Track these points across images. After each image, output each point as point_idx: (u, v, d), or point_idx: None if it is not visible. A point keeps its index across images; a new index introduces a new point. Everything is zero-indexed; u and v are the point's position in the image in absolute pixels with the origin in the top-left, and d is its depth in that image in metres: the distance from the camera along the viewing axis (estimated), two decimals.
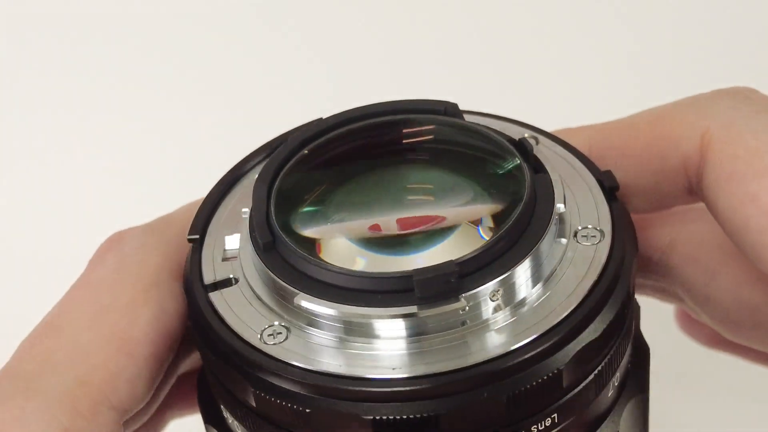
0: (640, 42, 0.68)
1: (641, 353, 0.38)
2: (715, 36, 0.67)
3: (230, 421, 0.35)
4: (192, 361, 0.45)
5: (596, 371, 0.33)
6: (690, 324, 0.47)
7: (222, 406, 0.35)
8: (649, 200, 0.39)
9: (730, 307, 0.39)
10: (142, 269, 0.38)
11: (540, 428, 0.32)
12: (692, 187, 0.38)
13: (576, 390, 0.32)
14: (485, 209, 0.34)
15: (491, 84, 0.66)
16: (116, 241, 0.40)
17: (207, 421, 0.38)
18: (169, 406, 0.45)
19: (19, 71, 0.70)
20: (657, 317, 0.43)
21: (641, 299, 0.40)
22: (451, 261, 0.31)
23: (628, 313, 0.34)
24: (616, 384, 0.35)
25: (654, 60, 0.67)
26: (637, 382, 0.36)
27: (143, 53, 0.68)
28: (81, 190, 0.66)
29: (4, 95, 0.69)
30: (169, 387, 0.41)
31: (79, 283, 0.39)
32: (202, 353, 0.35)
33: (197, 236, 0.36)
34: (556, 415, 0.32)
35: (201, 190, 0.39)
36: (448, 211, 0.35)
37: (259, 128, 0.40)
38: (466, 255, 0.32)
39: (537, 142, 0.37)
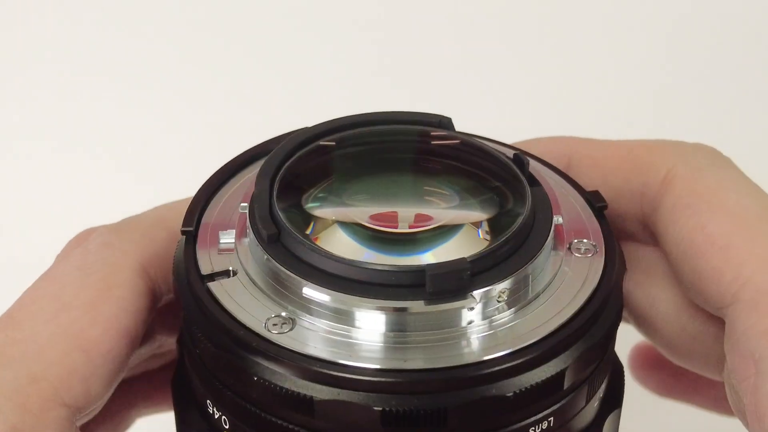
0: (631, 49, 0.70)
1: (617, 370, 0.39)
2: (714, 37, 0.69)
3: (217, 416, 0.35)
4: (154, 359, 0.44)
5: (590, 377, 0.34)
6: (642, 372, 0.49)
7: (209, 402, 0.35)
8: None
9: (671, 332, 0.41)
10: (106, 267, 0.37)
11: (537, 430, 0.33)
12: (643, 215, 0.40)
13: (572, 393, 0.33)
14: (489, 215, 0.36)
15: (482, 91, 0.67)
16: (83, 239, 0.40)
17: (183, 421, 0.37)
18: (134, 404, 0.44)
19: (11, 67, 0.68)
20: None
21: None
22: (464, 258, 0.32)
23: (619, 323, 0.35)
24: (601, 396, 0.36)
25: (642, 66, 0.69)
26: (615, 397, 0.38)
27: (139, 52, 0.67)
28: (67, 187, 0.65)
29: None
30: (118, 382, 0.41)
31: (43, 278, 0.38)
32: (194, 344, 0.34)
33: (191, 228, 0.36)
34: (553, 418, 0.33)
35: (192, 191, 0.39)
36: (450, 213, 0.35)
37: (252, 131, 0.40)
38: (477, 253, 0.32)
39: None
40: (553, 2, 0.69)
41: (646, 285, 0.41)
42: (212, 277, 0.34)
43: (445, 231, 0.35)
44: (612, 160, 0.40)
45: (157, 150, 0.63)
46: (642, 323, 0.42)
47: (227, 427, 0.34)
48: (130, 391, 0.45)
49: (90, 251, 0.38)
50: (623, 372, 0.39)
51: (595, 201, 0.37)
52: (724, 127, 0.67)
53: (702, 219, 0.37)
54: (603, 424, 0.36)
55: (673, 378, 0.47)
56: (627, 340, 0.43)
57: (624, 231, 0.41)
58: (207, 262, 0.35)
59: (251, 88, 0.66)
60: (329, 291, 0.32)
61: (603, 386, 0.36)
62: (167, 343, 0.42)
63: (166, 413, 0.41)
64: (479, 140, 0.38)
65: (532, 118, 0.66)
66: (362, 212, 0.35)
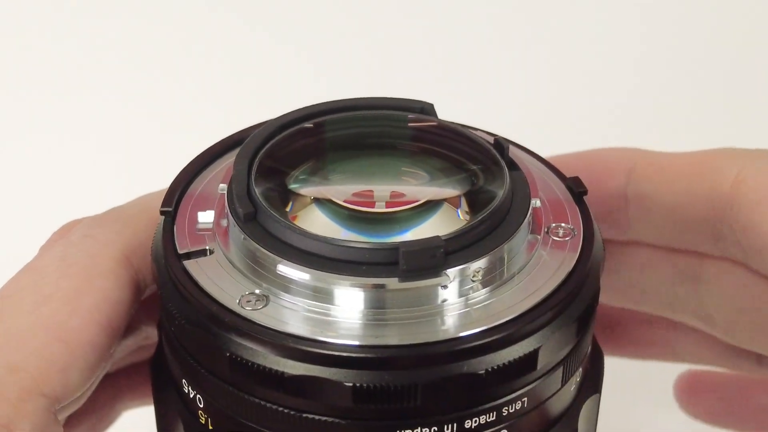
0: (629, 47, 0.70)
1: (596, 356, 0.39)
2: (714, 37, 0.69)
3: (192, 396, 0.35)
4: (140, 352, 0.44)
5: (565, 358, 0.34)
6: (691, 399, 0.49)
7: (185, 381, 0.35)
8: (670, 220, 0.42)
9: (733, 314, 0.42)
10: (87, 258, 0.38)
11: (510, 410, 0.33)
12: (713, 217, 0.41)
13: (547, 374, 0.33)
14: (466, 196, 0.36)
15: (476, 86, 0.67)
16: (66, 231, 0.40)
17: (159, 402, 0.37)
18: (120, 397, 0.44)
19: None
20: None
21: None
22: (438, 236, 0.32)
23: (596, 307, 0.35)
24: (578, 380, 0.36)
25: (642, 65, 0.69)
26: (593, 383, 0.37)
27: (128, 45, 0.67)
28: (55, 180, 0.65)
29: None
30: (104, 373, 0.40)
31: (24, 270, 0.38)
32: (170, 322, 0.34)
33: (170, 209, 0.36)
34: (526, 399, 0.33)
35: None
36: (430, 192, 0.35)
37: (244, 124, 0.40)
38: (452, 233, 0.32)
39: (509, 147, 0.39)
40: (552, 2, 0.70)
41: None
42: (188, 255, 0.34)
43: (424, 211, 0.35)
44: (678, 165, 0.41)
45: (148, 143, 0.64)
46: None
47: (202, 406, 0.34)
48: (116, 384, 0.45)
49: (72, 243, 0.39)
50: (603, 359, 0.39)
51: (575, 187, 0.37)
52: (725, 127, 0.67)
53: None
54: (580, 409, 0.36)
55: (724, 402, 0.48)
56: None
57: (689, 240, 0.42)
58: (184, 242, 0.35)
59: (242, 83, 0.66)
60: (303, 268, 0.32)
61: (580, 370, 0.36)
62: (153, 335, 0.42)
63: (152, 406, 0.41)
64: (461, 126, 0.39)
65: (533, 117, 0.66)
66: (340, 192, 0.35)
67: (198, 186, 0.38)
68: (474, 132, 0.38)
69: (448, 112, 0.40)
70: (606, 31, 0.68)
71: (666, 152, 0.43)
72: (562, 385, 0.34)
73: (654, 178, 0.42)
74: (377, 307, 0.32)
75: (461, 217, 0.35)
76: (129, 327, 0.40)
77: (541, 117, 0.66)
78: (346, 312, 0.32)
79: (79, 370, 0.36)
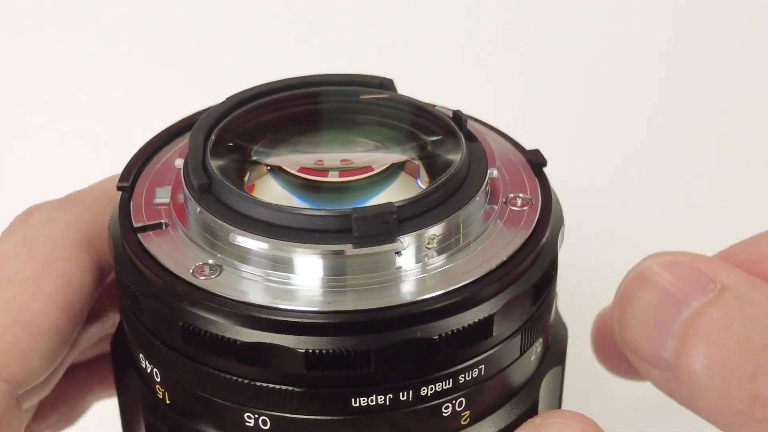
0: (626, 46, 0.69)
1: (560, 330, 0.39)
2: (713, 37, 0.69)
3: (149, 370, 0.34)
4: (107, 341, 0.44)
5: (523, 327, 0.33)
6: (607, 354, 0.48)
7: (141, 356, 0.35)
8: None
9: None
10: (48, 242, 0.37)
11: (467, 378, 0.32)
12: None
13: (504, 342, 0.33)
14: (424, 165, 0.35)
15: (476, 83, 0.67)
16: (28, 214, 0.40)
17: (119, 379, 0.37)
18: (90, 388, 0.44)
19: None
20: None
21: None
22: (391, 203, 0.32)
23: (554, 277, 0.35)
24: (538, 350, 0.36)
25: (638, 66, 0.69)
26: (556, 355, 0.37)
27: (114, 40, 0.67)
28: (22, 167, 0.65)
29: None
30: (70, 360, 0.40)
31: None
32: (125, 296, 0.34)
33: (126, 184, 0.36)
34: (483, 366, 0.33)
35: None
36: (386, 158, 0.35)
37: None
38: (405, 199, 0.32)
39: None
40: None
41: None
42: (144, 229, 0.34)
43: (380, 179, 0.35)
44: None
45: (115, 127, 0.63)
46: None
47: (158, 380, 0.34)
48: (87, 375, 0.45)
49: (33, 227, 0.38)
50: (567, 333, 0.39)
51: (535, 159, 0.37)
52: (724, 127, 0.67)
53: None
54: (541, 380, 0.36)
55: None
56: None
57: None
58: (140, 216, 0.35)
59: (217, 68, 0.66)
60: (255, 236, 0.32)
61: (541, 341, 0.35)
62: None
63: None
64: (422, 102, 0.38)
65: (532, 117, 0.66)
66: (295, 163, 0.35)
67: (157, 163, 0.38)
68: (433, 107, 0.38)
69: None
70: (606, 30, 0.68)
71: None
72: (521, 354, 0.34)
73: None
74: (335, 274, 0.32)
75: (421, 186, 0.35)
76: (95, 314, 0.40)
77: (541, 117, 0.66)
78: (300, 279, 0.32)
79: (41, 353, 0.36)
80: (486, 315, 0.31)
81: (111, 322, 0.42)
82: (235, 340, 0.31)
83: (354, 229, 0.31)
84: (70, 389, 0.44)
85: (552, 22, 0.68)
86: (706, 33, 0.68)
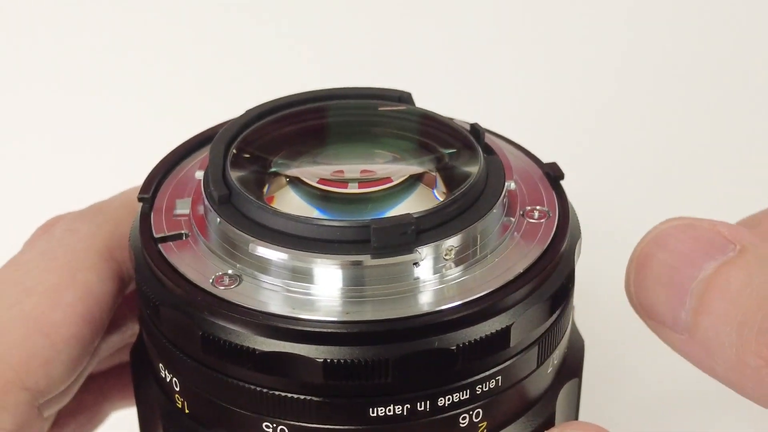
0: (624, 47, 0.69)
1: (577, 343, 0.39)
2: (714, 37, 0.69)
3: (168, 379, 0.35)
4: (127, 351, 0.44)
5: (540, 338, 0.34)
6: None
7: (161, 365, 0.35)
8: None
9: None
10: (69, 253, 0.38)
11: (484, 389, 0.33)
12: None
13: (521, 353, 0.33)
14: (442, 177, 0.36)
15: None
16: (49, 226, 0.41)
17: (139, 388, 0.38)
18: (108, 397, 0.45)
19: None
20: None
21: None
22: (410, 214, 0.32)
23: (571, 289, 0.35)
24: (555, 362, 0.36)
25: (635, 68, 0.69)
26: (573, 368, 0.37)
27: (119, 43, 0.68)
28: (44, 178, 0.65)
29: None
30: (90, 370, 0.41)
31: (8, 265, 0.39)
32: (146, 306, 0.34)
33: (147, 195, 0.36)
34: (500, 377, 0.33)
35: None
36: (406, 170, 0.36)
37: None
38: (424, 210, 0.32)
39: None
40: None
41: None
42: (164, 239, 0.35)
43: (399, 191, 0.35)
44: None
45: (136, 139, 0.64)
46: None
47: (178, 389, 0.34)
48: (105, 384, 0.45)
49: (54, 237, 0.39)
50: (583, 344, 0.39)
51: (552, 172, 0.38)
52: (725, 127, 0.67)
53: None
54: (558, 392, 0.36)
55: None
56: None
57: None
58: (161, 226, 0.35)
59: (234, 79, 0.66)
60: (275, 247, 0.32)
61: (558, 353, 0.36)
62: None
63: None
64: (440, 115, 0.39)
65: (550, 130, 0.66)
66: (314, 174, 0.36)
67: (177, 174, 0.38)
68: (451, 120, 0.39)
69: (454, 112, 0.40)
70: (605, 29, 0.68)
71: None
72: (538, 366, 0.34)
73: None
74: (354, 284, 0.32)
75: (439, 198, 0.35)
76: (114, 323, 0.41)
77: (541, 116, 0.66)
78: (319, 289, 0.32)
79: (62, 363, 0.37)
80: (504, 326, 0.32)
81: (130, 332, 0.42)
82: (254, 350, 0.31)
83: (373, 240, 0.31)
84: (88, 398, 0.44)
85: (569, 39, 0.68)
86: (703, 32, 0.68)
